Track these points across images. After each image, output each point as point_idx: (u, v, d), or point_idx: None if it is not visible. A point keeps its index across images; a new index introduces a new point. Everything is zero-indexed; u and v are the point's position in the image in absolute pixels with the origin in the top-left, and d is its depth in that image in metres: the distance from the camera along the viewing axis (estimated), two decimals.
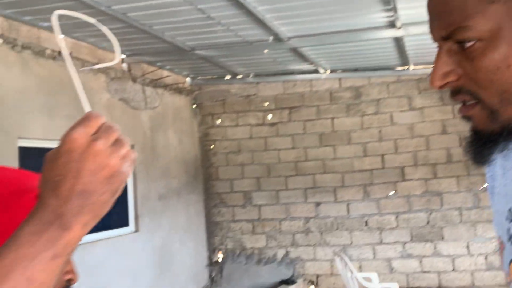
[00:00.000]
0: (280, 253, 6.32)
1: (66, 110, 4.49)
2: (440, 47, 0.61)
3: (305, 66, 5.96)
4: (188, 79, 6.62)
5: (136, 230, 5.26)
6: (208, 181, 6.65)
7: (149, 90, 5.81)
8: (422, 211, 5.90)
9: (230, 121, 6.61)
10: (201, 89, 6.74)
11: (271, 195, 6.41)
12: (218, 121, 6.65)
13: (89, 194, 0.52)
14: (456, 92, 0.61)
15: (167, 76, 6.10)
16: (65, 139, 0.53)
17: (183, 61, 5.74)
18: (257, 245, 6.41)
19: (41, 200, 0.52)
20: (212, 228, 6.59)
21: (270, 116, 6.45)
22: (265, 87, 6.52)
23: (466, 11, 0.55)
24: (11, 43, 4.00)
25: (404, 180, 5.98)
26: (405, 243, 5.93)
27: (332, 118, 6.27)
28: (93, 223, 0.54)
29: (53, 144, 4.40)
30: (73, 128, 0.54)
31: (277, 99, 6.47)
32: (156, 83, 5.92)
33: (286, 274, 6.20)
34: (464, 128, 5.42)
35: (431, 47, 5.00)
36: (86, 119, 0.55)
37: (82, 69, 0.91)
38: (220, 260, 6.51)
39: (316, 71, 6.17)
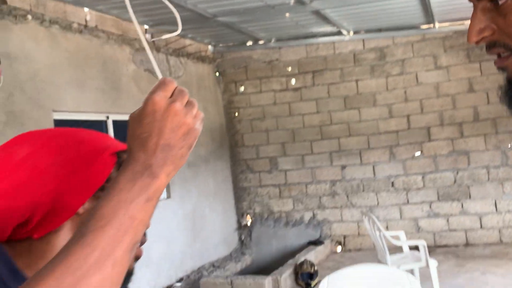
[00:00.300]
0: (307, 215, 6.46)
1: (94, 83, 4.61)
2: (474, 6, 0.65)
3: (328, 29, 5.88)
4: (210, 47, 6.64)
5: (168, 197, 5.45)
6: (234, 148, 6.77)
7: (172, 59, 5.87)
8: (448, 171, 5.90)
9: (253, 87, 6.64)
10: (223, 57, 6.75)
11: (297, 160, 6.50)
12: (242, 88, 6.69)
13: (171, 148, 0.59)
14: (491, 46, 0.65)
15: (189, 45, 6.13)
16: (148, 102, 0.59)
17: (205, 28, 5.74)
18: (284, 208, 6.56)
19: (130, 155, 0.59)
20: (239, 193, 6.75)
21: (293, 81, 6.45)
22: (287, 52, 6.48)
23: None
24: (39, 19, 4.09)
25: (430, 141, 5.96)
26: (431, 202, 5.97)
27: (357, 81, 6.22)
28: (174, 173, 0.61)
29: (84, 116, 4.56)
30: (153, 92, 0.59)
31: (300, 63, 6.44)
32: (179, 52, 5.97)
33: (313, 235, 6.35)
34: (492, 85, 5.33)
35: (457, 3, 4.87)
36: (162, 84, 0.60)
37: (163, 37, 0.96)
38: (248, 223, 6.71)
39: (339, 33, 6.08)
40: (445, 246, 5.90)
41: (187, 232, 5.65)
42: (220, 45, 6.65)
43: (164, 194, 5.48)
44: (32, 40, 4.00)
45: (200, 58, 6.43)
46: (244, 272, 6.05)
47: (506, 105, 0.69)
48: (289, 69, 6.46)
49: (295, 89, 6.45)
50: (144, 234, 0.71)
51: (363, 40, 6.18)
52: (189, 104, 0.61)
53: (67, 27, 4.35)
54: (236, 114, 6.74)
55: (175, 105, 0.59)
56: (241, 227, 6.75)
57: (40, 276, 0.51)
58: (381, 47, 6.13)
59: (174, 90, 0.61)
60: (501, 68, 0.67)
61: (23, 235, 0.69)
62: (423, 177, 6.00)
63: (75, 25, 4.44)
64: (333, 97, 6.30)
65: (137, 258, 0.76)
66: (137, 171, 0.57)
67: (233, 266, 5.96)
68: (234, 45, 6.61)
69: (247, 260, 6.39)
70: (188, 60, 6.17)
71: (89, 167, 0.71)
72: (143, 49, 5.37)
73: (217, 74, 6.80)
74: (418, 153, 6.01)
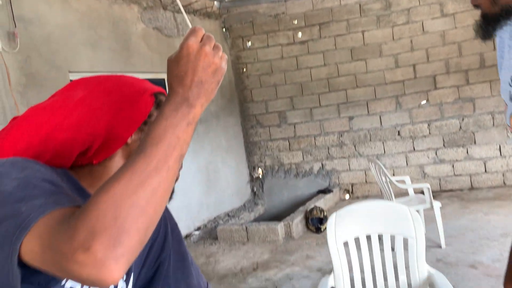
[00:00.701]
0: (316, 166, 6.68)
1: (106, 43, 4.72)
2: None
3: None
4: (215, 3, 6.64)
5: None
6: (244, 103, 6.92)
7: (180, 17, 5.92)
8: (454, 118, 6.02)
9: (260, 42, 6.70)
10: (229, 12, 6.77)
11: (305, 113, 6.65)
12: (249, 43, 6.75)
13: (203, 84, 0.73)
14: None
15: (195, 1, 6.16)
16: (183, 46, 0.73)
17: None
18: (294, 160, 6.78)
19: (171, 90, 0.75)
20: (250, 147, 6.97)
21: (300, 34, 6.48)
22: (293, 5, 6.48)
23: None
24: None
25: (436, 89, 6.05)
26: (437, 149, 6.14)
27: (363, 32, 6.25)
28: (206, 104, 0.77)
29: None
30: (187, 39, 0.74)
31: (306, 16, 6.45)
32: (185, 9, 6.01)
33: (322, 185, 6.61)
34: None
35: None
36: (193, 31, 0.75)
37: None
38: (260, 176, 6.97)
39: None
40: (450, 190, 6.12)
41: (202, 185, 5.93)
42: (226, 0, 6.65)
43: None
44: (44, 3, 4.10)
45: (207, 14, 6.46)
46: (258, 220, 6.37)
47: (480, 37, 0.85)
48: (295, 22, 6.49)
49: (302, 42, 6.50)
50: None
51: None
52: (215, 47, 0.75)
53: None
54: (244, 69, 6.84)
55: (205, 48, 0.73)
56: (253, 179, 7.02)
57: (114, 179, 0.64)
58: None
59: (203, 36, 0.75)
60: (476, 6, 0.83)
61: (84, 162, 0.87)
62: (429, 125, 6.14)
63: None
64: (340, 49, 6.35)
65: (176, 178, 0.93)
66: (178, 102, 0.72)
67: (247, 215, 6.26)
68: (240, 0, 6.61)
69: (260, 209, 6.70)
70: (195, 17, 6.22)
71: (133, 105, 0.87)
72: (151, 7, 5.43)
73: (224, 30, 6.84)
74: (424, 102, 6.12)
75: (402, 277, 2.27)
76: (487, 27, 0.80)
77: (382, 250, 2.29)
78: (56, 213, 0.62)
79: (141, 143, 0.70)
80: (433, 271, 2.17)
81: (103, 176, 0.86)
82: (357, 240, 2.28)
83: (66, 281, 0.75)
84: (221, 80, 0.77)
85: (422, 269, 2.16)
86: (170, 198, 0.79)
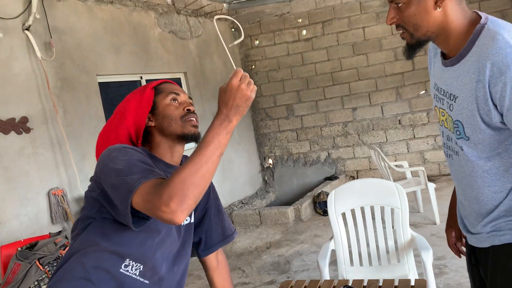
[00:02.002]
0: (323, 155, 7.14)
1: (128, 48, 5.21)
2: (390, 5, 1.27)
3: None
4: (225, 5, 7.10)
5: (188, 148, 6.16)
6: (254, 98, 7.37)
7: (192, 20, 6.39)
8: None
9: (267, 40, 7.15)
10: (238, 13, 7.22)
11: (311, 105, 7.10)
12: (257, 42, 7.20)
13: (238, 107, 1.17)
14: (397, 26, 1.28)
15: (206, 5, 6.62)
16: (229, 83, 1.18)
17: None
18: (302, 150, 7.25)
19: (219, 109, 1.19)
20: (261, 139, 7.45)
21: (304, 32, 6.92)
22: (297, 4, 6.91)
23: None
24: None
25: None
26: (436, 136, 6.55)
27: (363, 28, 6.66)
28: (239, 119, 1.21)
29: (122, 78, 5.19)
30: (231, 78, 1.18)
31: (310, 14, 6.88)
32: (197, 13, 6.48)
33: (329, 172, 7.06)
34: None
35: None
36: (236, 73, 1.19)
37: (230, 45, 1.51)
38: (271, 165, 7.45)
39: None
40: (449, 174, 6.53)
41: (217, 175, 6.41)
42: (234, 2, 7.10)
43: (192, 143, 6.20)
44: (73, 14, 4.60)
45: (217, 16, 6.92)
46: (270, 206, 6.85)
47: (405, 57, 1.33)
48: (300, 20, 6.92)
49: (307, 40, 6.94)
50: None
51: None
52: (249, 83, 1.19)
53: None
54: (253, 66, 7.30)
55: (242, 86, 1.17)
56: (264, 169, 7.51)
57: (183, 166, 1.12)
58: None
59: (242, 75, 1.20)
60: (403, 38, 1.30)
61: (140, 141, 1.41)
62: (427, 114, 6.55)
63: None
64: (342, 44, 6.77)
65: None
66: (222, 119, 1.17)
67: (259, 202, 6.75)
68: (247, 1, 7.06)
69: (271, 197, 7.18)
70: (206, 19, 6.69)
71: (141, 101, 1.39)
72: (166, 12, 5.90)
73: (233, 30, 7.30)
74: (422, 92, 6.53)
75: (390, 242, 2.73)
76: (409, 51, 1.27)
77: (373, 218, 2.75)
78: (148, 183, 1.11)
79: (199, 144, 1.17)
80: (415, 234, 2.63)
81: (156, 146, 1.41)
82: (353, 211, 2.75)
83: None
84: (250, 104, 1.24)
85: (406, 232, 2.62)
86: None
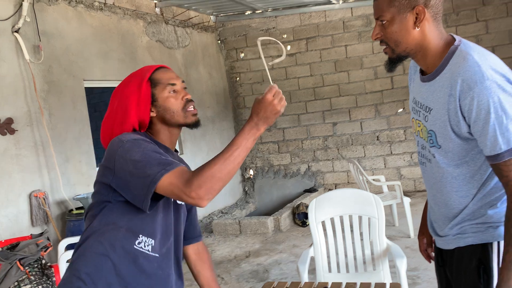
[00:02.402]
0: (303, 167, 7.28)
1: (116, 54, 5.27)
2: (376, 22, 1.41)
3: None
4: (212, 17, 7.24)
5: (181, 153, 6.23)
6: (237, 109, 7.50)
7: (179, 30, 6.50)
8: None
9: (252, 54, 7.30)
10: (225, 26, 7.37)
11: (293, 118, 7.25)
12: (242, 55, 7.35)
13: (267, 118, 1.32)
14: (381, 41, 1.42)
15: (194, 17, 6.74)
16: (264, 97, 1.32)
17: (208, 1, 6.34)
18: (283, 162, 7.38)
19: (251, 116, 1.33)
20: None
21: (289, 47, 7.10)
22: (283, 20, 7.11)
23: (383, 10, 1.34)
24: (67, 0, 4.72)
25: None
26: (412, 153, 6.78)
27: (346, 46, 6.89)
28: (266, 128, 1.34)
29: (109, 84, 5.24)
30: (267, 93, 1.32)
31: (295, 31, 7.08)
32: (185, 24, 6.59)
33: (308, 184, 7.20)
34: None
35: None
36: (271, 89, 1.34)
37: (270, 63, 1.62)
38: (251, 176, 7.55)
39: (329, 2, 6.69)
40: (423, 190, 6.75)
41: None
42: (221, 15, 7.25)
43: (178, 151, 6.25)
44: (63, 19, 4.65)
45: (204, 28, 7.05)
46: (249, 216, 6.92)
47: (387, 70, 1.47)
48: (285, 36, 7.11)
49: (291, 55, 7.12)
50: None
51: (352, 8, 6.80)
52: (281, 99, 1.35)
53: (90, 5, 4.98)
54: (238, 78, 7.43)
55: (274, 101, 1.33)
56: (245, 179, 7.60)
57: (213, 160, 1.29)
58: (368, 14, 6.75)
59: (275, 91, 1.34)
60: (385, 52, 1.44)
61: (143, 131, 1.52)
62: (405, 131, 6.79)
63: (96, 4, 5.06)
64: (325, 61, 6.98)
65: None
66: (252, 126, 1.33)
67: (239, 212, 6.82)
68: (234, 15, 7.22)
69: (251, 207, 7.26)
70: (193, 30, 6.80)
71: (139, 97, 1.48)
72: (154, 21, 6.00)
73: (219, 42, 7.44)
74: (400, 110, 6.77)
75: (367, 251, 2.85)
76: (390, 65, 1.42)
77: (352, 227, 2.87)
78: (172, 172, 1.27)
79: (229, 144, 1.32)
80: (390, 243, 2.76)
81: (157, 132, 1.53)
82: (332, 220, 2.86)
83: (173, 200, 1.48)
84: (279, 116, 1.37)
85: (382, 241, 2.75)
86: None
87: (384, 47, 1.41)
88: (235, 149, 1.28)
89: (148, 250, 1.41)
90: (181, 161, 1.58)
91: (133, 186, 1.31)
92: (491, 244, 1.35)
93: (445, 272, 1.54)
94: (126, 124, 1.46)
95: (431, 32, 1.35)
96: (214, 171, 1.25)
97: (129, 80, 1.51)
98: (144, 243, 1.41)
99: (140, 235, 1.40)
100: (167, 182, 1.26)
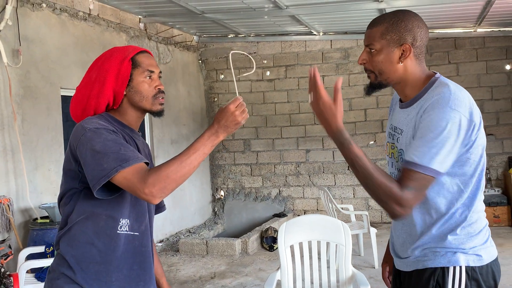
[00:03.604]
0: (274, 192, 7.33)
1: None
2: (365, 48, 1.51)
3: (301, 28, 6.69)
4: (195, 37, 7.33)
5: None
6: None
7: (161, 47, 6.55)
8: None
9: (232, 76, 7.39)
10: (207, 47, 7.46)
11: (268, 142, 7.34)
12: (222, 76, 7.44)
13: (227, 127, 1.39)
14: (365, 68, 1.51)
15: (177, 35, 6.81)
16: (227, 106, 1.39)
17: (193, 21, 6.43)
18: (255, 185, 7.41)
19: (212, 124, 1.39)
20: (215, 170, 7.55)
21: (268, 73, 7.25)
22: (264, 46, 7.26)
23: (374, 39, 1.44)
24: (52, 7, 4.71)
25: (383, 131, 6.90)
26: None
27: (323, 76, 7.08)
28: (225, 137, 1.40)
29: None
30: (230, 103, 1.39)
31: (275, 57, 7.24)
32: (167, 41, 6.65)
33: (278, 209, 7.24)
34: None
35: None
36: (235, 100, 1.40)
37: (239, 76, 1.70)
38: (222, 197, 7.53)
39: (310, 33, 6.90)
40: (390, 222, 6.89)
41: (167, 200, 6.40)
42: (204, 36, 7.35)
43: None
44: (45, 25, 4.62)
45: (186, 46, 7.12)
46: (217, 237, 6.87)
47: (366, 93, 1.56)
48: (265, 62, 7.25)
49: (270, 80, 7.26)
50: None
51: (331, 41, 7.03)
52: (243, 111, 1.41)
53: (74, 15, 4.98)
54: (216, 99, 7.49)
55: (236, 112, 1.39)
56: (215, 200, 7.57)
57: (170, 161, 1.33)
58: (346, 47, 7.00)
59: (239, 103, 1.41)
60: (368, 77, 1.53)
61: (110, 108, 1.55)
62: (375, 163, 6.94)
63: (80, 14, 5.07)
64: (302, 89, 7.14)
65: None
66: (212, 133, 1.39)
67: (207, 233, 6.77)
68: (217, 37, 7.34)
69: (219, 228, 7.22)
70: (175, 48, 6.86)
71: (119, 73, 1.51)
72: (137, 36, 6.03)
73: (200, 62, 7.51)
74: (372, 142, 6.96)
75: (333, 278, 2.90)
76: (370, 89, 1.52)
77: (319, 252, 2.92)
78: (130, 169, 1.32)
79: (188, 148, 1.37)
80: (355, 271, 2.81)
81: (123, 112, 1.56)
82: (300, 245, 2.90)
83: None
84: (238, 127, 1.43)
85: (348, 268, 2.80)
86: None
87: (369, 72, 1.51)
88: (193, 153, 1.35)
89: (129, 231, 1.49)
90: (145, 145, 1.65)
91: (88, 174, 1.36)
92: (447, 268, 1.42)
93: None
94: (102, 97, 1.49)
95: (413, 68, 1.47)
96: (170, 172, 1.31)
97: (110, 54, 1.53)
98: (125, 226, 1.48)
99: (121, 219, 1.47)
100: (122, 177, 1.32)
